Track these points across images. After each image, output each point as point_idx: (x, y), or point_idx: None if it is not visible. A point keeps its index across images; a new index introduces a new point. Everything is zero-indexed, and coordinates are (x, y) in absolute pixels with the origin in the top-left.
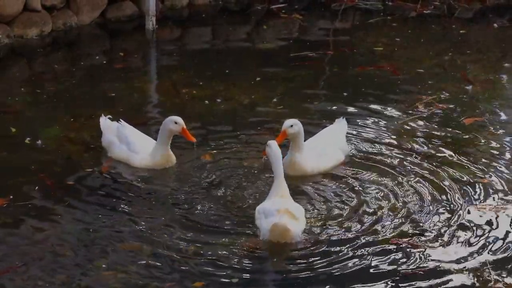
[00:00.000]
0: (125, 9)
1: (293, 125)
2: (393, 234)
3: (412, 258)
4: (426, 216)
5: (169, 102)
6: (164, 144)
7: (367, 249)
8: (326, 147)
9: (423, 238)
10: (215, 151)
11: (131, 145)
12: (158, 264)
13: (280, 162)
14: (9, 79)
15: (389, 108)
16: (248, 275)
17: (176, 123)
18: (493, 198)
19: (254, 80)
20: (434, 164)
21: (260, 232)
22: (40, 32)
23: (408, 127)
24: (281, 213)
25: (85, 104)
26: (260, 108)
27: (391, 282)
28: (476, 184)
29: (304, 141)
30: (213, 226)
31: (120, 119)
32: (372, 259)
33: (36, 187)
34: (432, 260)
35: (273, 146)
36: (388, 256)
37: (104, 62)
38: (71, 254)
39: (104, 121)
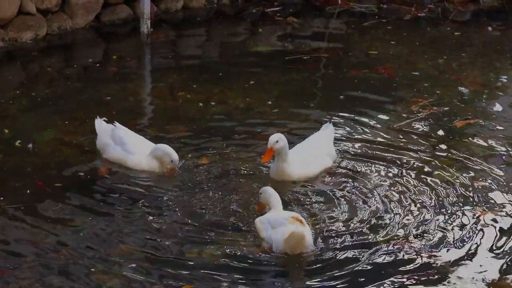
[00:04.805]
0: (119, 12)
1: (278, 140)
2: (392, 236)
3: (413, 260)
4: (423, 219)
5: (163, 105)
6: (155, 159)
7: (369, 252)
8: (312, 153)
9: (422, 241)
10: (210, 154)
11: (126, 146)
12: (150, 266)
13: (279, 199)
14: (3, 83)
15: (384, 111)
16: (240, 279)
17: (172, 161)
18: (490, 199)
19: (248, 83)
20: (429, 166)
21: (267, 243)
22: (35, 36)
23: (403, 130)
24: (293, 222)
25: (80, 107)
26: (255, 111)
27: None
28: (472, 186)
29: (292, 146)
30: (208, 230)
31: (115, 122)
32: (374, 262)
33: (28, 190)
34: (432, 261)
35: (269, 190)
36: (390, 259)
37: (99, 65)
38: (64, 257)
39: (100, 123)
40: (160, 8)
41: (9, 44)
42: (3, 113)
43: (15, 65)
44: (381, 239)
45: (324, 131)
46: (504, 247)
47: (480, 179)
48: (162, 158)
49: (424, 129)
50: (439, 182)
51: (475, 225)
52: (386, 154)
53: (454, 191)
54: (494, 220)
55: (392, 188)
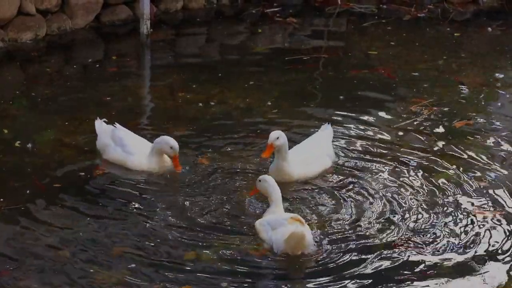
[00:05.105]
0: (119, 13)
1: (279, 137)
2: (396, 239)
3: (418, 263)
4: (428, 220)
5: (163, 106)
6: (156, 155)
7: (372, 255)
8: (312, 153)
9: (427, 243)
10: (210, 155)
11: (126, 147)
12: (149, 268)
13: (279, 191)
14: (3, 83)
15: (384, 111)
16: (239, 281)
17: (171, 148)
18: (495, 200)
19: (248, 83)
20: (431, 167)
21: (268, 245)
22: (35, 36)
23: (404, 131)
24: (293, 222)
25: (80, 108)
26: (255, 112)
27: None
28: (476, 186)
29: (291, 147)
30: (207, 231)
31: (115, 123)
32: (377, 265)
33: (28, 191)
34: (437, 264)
35: (268, 179)
36: (394, 261)
37: (99, 65)
38: (63, 258)
39: (100, 124)
40: (160, 8)
41: (9, 45)
42: (3, 113)
43: (15, 65)
44: (385, 241)
45: (323, 132)
46: (501, 248)
47: (484, 179)
48: (162, 148)
49: (425, 129)
50: (443, 183)
51: (481, 227)
52: (388, 155)
53: (458, 192)
54: (500, 221)
55: (395, 189)
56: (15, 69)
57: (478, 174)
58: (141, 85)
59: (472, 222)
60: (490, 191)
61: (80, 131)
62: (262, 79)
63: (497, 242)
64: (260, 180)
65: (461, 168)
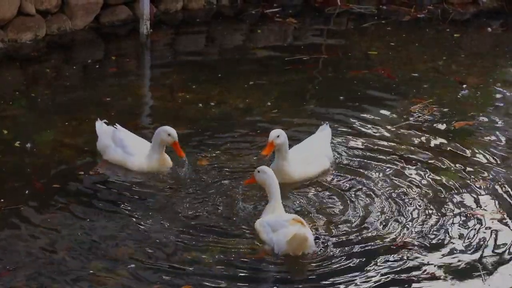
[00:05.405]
0: (119, 13)
1: (279, 135)
2: (399, 241)
3: (421, 266)
4: (431, 223)
5: (163, 106)
6: (157, 151)
7: (374, 255)
8: (311, 154)
9: (430, 247)
10: (210, 155)
11: (126, 148)
12: (148, 270)
13: (277, 184)
14: (3, 84)
15: (383, 112)
16: (237, 282)
17: (169, 135)
18: (494, 200)
19: (248, 83)
20: (428, 168)
21: (268, 246)
22: (34, 37)
23: (403, 131)
24: (294, 223)
25: (79, 108)
26: (255, 112)
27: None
28: (475, 186)
29: (289, 148)
30: (205, 233)
31: (116, 123)
32: (380, 268)
33: (27, 191)
34: (441, 268)
35: (268, 170)
36: (396, 262)
37: (98, 66)
38: (62, 258)
39: (100, 125)
40: (160, 9)
41: (8, 45)
42: (3, 113)
43: (15, 66)
44: (389, 243)
45: (322, 132)
46: (498, 248)
47: (487, 179)
48: (162, 138)
49: (424, 130)
50: (446, 182)
51: (488, 228)
52: (388, 155)
53: (463, 191)
54: (506, 222)
55: (398, 189)
56: (15, 69)
57: (481, 173)
58: (141, 85)
59: (478, 223)
60: (493, 191)
61: (80, 131)
62: (262, 79)
63: (504, 244)
64: (259, 171)
65: (464, 168)
